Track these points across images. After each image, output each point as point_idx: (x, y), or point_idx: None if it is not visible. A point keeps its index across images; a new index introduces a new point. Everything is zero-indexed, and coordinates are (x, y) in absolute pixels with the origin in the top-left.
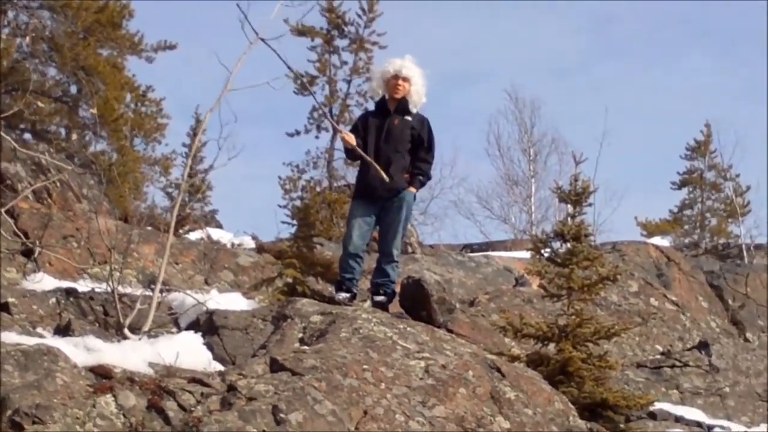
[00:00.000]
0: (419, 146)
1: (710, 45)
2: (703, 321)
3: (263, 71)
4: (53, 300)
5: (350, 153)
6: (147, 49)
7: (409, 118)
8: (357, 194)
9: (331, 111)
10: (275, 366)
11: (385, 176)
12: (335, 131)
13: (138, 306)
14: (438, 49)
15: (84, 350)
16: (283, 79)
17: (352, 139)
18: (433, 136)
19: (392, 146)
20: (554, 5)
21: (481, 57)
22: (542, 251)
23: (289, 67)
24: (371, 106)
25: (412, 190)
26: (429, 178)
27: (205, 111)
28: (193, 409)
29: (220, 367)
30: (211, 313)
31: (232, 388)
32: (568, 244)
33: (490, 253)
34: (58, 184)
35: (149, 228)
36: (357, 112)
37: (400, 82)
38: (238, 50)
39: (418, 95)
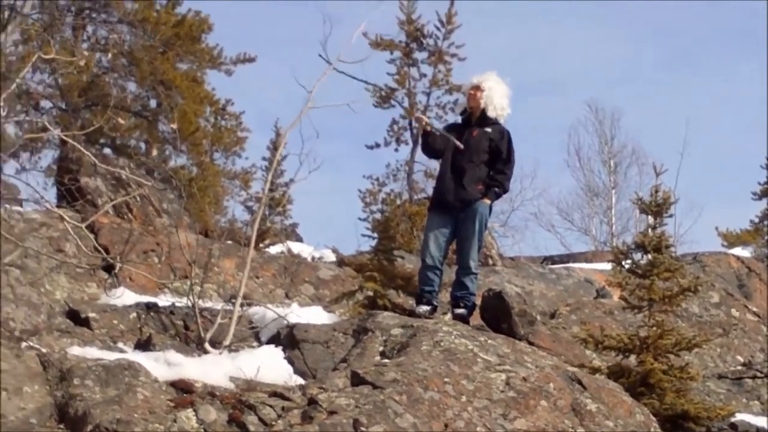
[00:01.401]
0: (497, 157)
1: None
2: None
3: (343, 88)
4: (134, 315)
5: (427, 143)
6: (226, 62)
7: (488, 129)
8: (432, 205)
9: (410, 123)
10: (356, 379)
11: (459, 144)
12: (411, 118)
13: (219, 320)
14: (517, 59)
15: (165, 365)
16: (363, 100)
17: (423, 117)
18: (512, 148)
19: (467, 156)
20: (623, 15)
21: (560, 68)
22: (623, 263)
23: (367, 83)
24: (451, 118)
25: (487, 201)
26: (506, 190)
27: (286, 128)
28: (274, 423)
29: (300, 381)
30: (291, 327)
31: (312, 401)
32: (649, 256)
33: (570, 264)
34: (138, 198)
35: (230, 242)
36: (437, 125)
37: (472, 91)
38: (318, 62)
39: (497, 105)
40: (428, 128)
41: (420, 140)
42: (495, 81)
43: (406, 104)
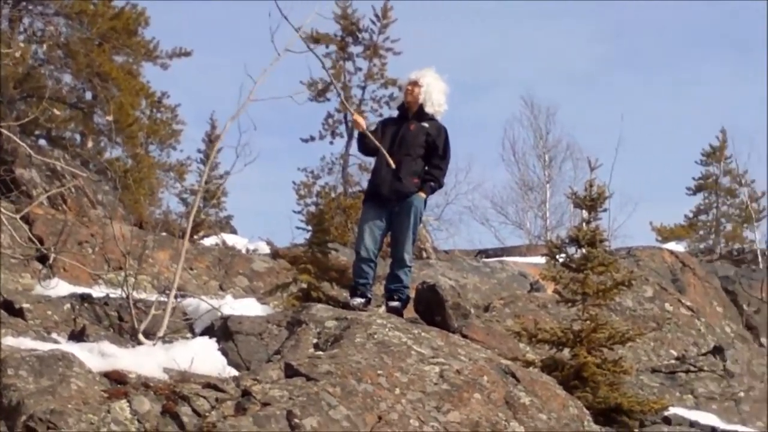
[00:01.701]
0: (434, 153)
1: (726, 52)
2: (717, 326)
3: (281, 81)
4: (68, 306)
5: (363, 144)
6: (162, 56)
7: (425, 124)
8: (367, 197)
9: (345, 117)
10: (290, 371)
11: (392, 162)
12: (348, 113)
13: (153, 312)
14: (453, 56)
15: (98, 356)
16: (305, 93)
17: (363, 122)
18: (449, 144)
19: (404, 150)
20: (568, 13)
21: (497, 64)
22: (557, 256)
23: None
24: (386, 113)
25: (422, 195)
26: (440, 185)
27: (226, 120)
28: (207, 414)
29: (234, 372)
30: (225, 319)
31: (246, 393)
32: (583, 250)
33: (505, 258)
34: (73, 190)
35: (164, 234)
36: (371, 118)
37: (409, 87)
38: (258, 57)
39: (435, 101)
40: (363, 126)
41: (356, 140)
42: (433, 77)
43: (342, 97)
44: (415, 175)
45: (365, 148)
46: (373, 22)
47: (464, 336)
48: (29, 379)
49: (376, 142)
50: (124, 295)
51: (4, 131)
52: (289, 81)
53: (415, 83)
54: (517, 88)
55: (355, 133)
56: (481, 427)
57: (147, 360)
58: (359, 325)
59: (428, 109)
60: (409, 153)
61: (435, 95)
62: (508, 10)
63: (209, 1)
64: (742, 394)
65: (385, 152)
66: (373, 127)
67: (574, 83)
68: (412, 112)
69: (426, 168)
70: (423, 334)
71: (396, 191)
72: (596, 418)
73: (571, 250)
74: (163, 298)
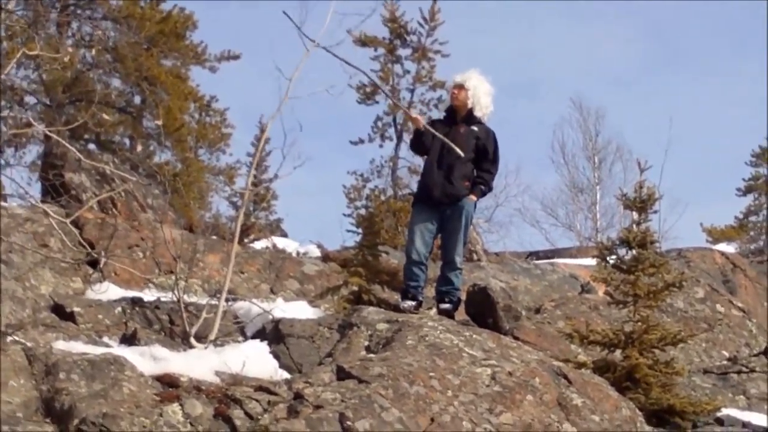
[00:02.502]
0: (483, 157)
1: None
2: None
3: (325, 80)
4: (119, 309)
5: (417, 142)
6: (210, 59)
7: (475, 128)
8: (417, 200)
9: (395, 120)
10: (342, 374)
11: (459, 151)
12: (401, 112)
13: (204, 315)
14: (501, 57)
15: (150, 359)
16: (342, 86)
17: (421, 119)
18: (498, 148)
19: (454, 153)
20: (614, 13)
21: (545, 66)
22: (608, 258)
23: (349, 64)
24: (436, 114)
25: (473, 198)
26: (490, 189)
27: (268, 119)
28: (259, 417)
29: (286, 375)
30: (277, 322)
31: (298, 396)
32: (634, 251)
33: (555, 260)
34: (123, 194)
35: (214, 237)
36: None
37: (455, 90)
38: (299, 57)
39: (481, 104)
40: (422, 128)
41: (411, 137)
42: (478, 79)
43: (386, 107)
44: (466, 178)
45: (419, 146)
46: (421, 25)
47: (516, 338)
48: (81, 383)
49: (438, 135)
50: (174, 299)
51: (54, 136)
52: (334, 79)
53: (461, 86)
54: (566, 89)
55: (405, 135)
56: (533, 429)
57: (198, 363)
58: (410, 327)
59: (477, 113)
60: (459, 156)
61: (482, 98)
62: (555, 10)
63: (257, 2)
64: None
65: (451, 144)
66: (428, 132)
67: (622, 84)
68: (460, 115)
69: (476, 171)
70: (474, 336)
71: (447, 194)
72: (649, 419)
73: (622, 251)
74: (213, 302)
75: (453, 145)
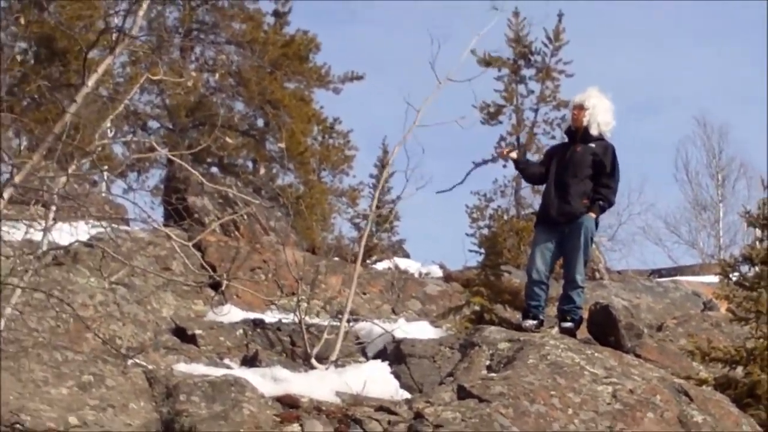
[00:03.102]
0: (601, 171)
1: None
2: None
3: (450, 106)
4: (240, 331)
5: (524, 173)
6: (334, 81)
7: (592, 144)
8: (538, 220)
9: (518, 140)
10: (462, 393)
11: (514, 155)
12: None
13: (325, 336)
14: (624, 77)
15: (271, 380)
16: (472, 118)
17: (503, 150)
18: (617, 162)
19: (571, 172)
20: (735, 32)
21: (667, 84)
22: (730, 275)
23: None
24: (559, 134)
25: (592, 215)
26: (611, 203)
27: (394, 145)
28: None
29: (407, 395)
30: (398, 342)
31: (419, 415)
32: (757, 268)
33: (678, 278)
34: (246, 217)
35: (336, 259)
36: (544, 140)
37: (575, 111)
38: (425, 81)
39: (599, 120)
40: (514, 156)
41: (518, 171)
42: (597, 98)
43: (509, 127)
44: (584, 195)
45: (528, 174)
46: (546, 45)
47: (637, 356)
48: (201, 404)
49: (513, 155)
50: (296, 320)
51: (176, 160)
52: (460, 106)
53: (580, 107)
54: (691, 108)
55: (528, 155)
56: None
57: (319, 384)
58: (532, 346)
59: (593, 131)
60: (576, 175)
61: (600, 116)
62: (677, 29)
63: (382, 22)
64: None
65: (513, 150)
66: (538, 157)
67: (747, 101)
68: (579, 134)
69: (595, 187)
70: (596, 354)
71: (564, 213)
72: None
73: (745, 268)
74: (335, 323)
75: (513, 152)
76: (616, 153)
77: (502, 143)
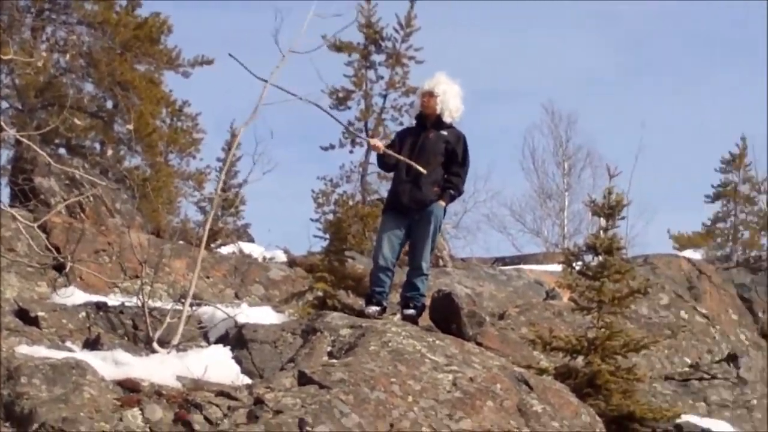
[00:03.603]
0: (453, 160)
1: (746, 59)
2: (732, 334)
3: (301, 87)
4: (83, 314)
5: (382, 161)
6: (184, 64)
7: (444, 132)
8: (387, 207)
9: (366, 125)
10: (303, 379)
11: (421, 169)
12: (367, 143)
13: (168, 320)
14: (475, 65)
15: (112, 364)
16: (317, 95)
17: (379, 143)
18: (468, 152)
19: (424, 159)
20: (586, 21)
21: (517, 72)
22: (574, 264)
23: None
24: (407, 120)
25: (442, 203)
26: (460, 192)
27: (240, 125)
28: (219, 422)
29: (248, 380)
30: (240, 327)
31: (259, 401)
32: (600, 258)
33: (521, 266)
34: (92, 198)
35: (181, 242)
36: (392, 126)
37: (425, 98)
38: (273, 63)
39: (451, 106)
40: (382, 152)
41: (376, 159)
42: (446, 84)
43: (357, 113)
44: (435, 183)
45: (385, 164)
46: (396, 31)
47: (479, 344)
48: (42, 387)
49: (399, 157)
50: (139, 304)
51: (24, 140)
52: (310, 89)
53: (430, 94)
54: (537, 96)
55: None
56: None
57: (160, 368)
58: (374, 333)
59: (446, 119)
60: (428, 162)
61: (451, 102)
62: (527, 17)
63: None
64: (755, 401)
65: (411, 162)
66: (389, 141)
67: (594, 92)
68: (430, 121)
69: (445, 176)
70: (437, 342)
71: (416, 200)
72: (609, 425)
73: (588, 257)
74: (178, 307)
75: (415, 165)
76: (467, 142)
77: (350, 128)
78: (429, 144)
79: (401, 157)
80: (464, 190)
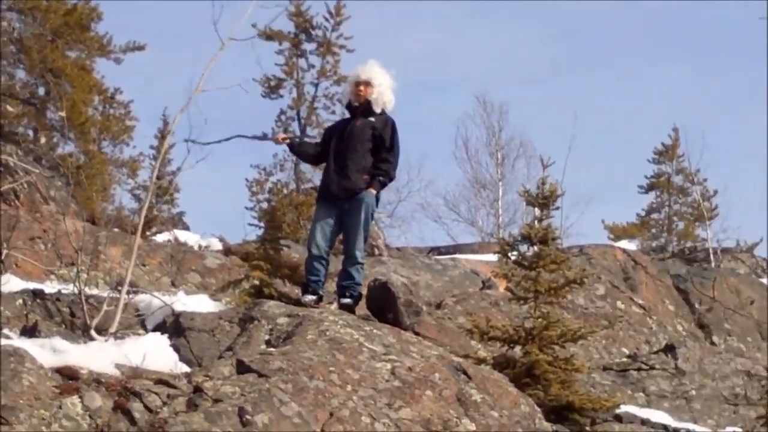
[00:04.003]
0: (381, 146)
1: (678, 50)
2: (669, 324)
3: (233, 75)
4: (20, 301)
5: (298, 155)
6: (116, 51)
7: (372, 119)
8: (319, 196)
9: (299, 113)
10: (242, 368)
11: (282, 136)
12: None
13: (105, 307)
14: (407, 55)
15: (50, 351)
16: (253, 84)
17: (279, 136)
18: (396, 136)
19: (351, 146)
20: (517, 14)
21: (451, 64)
22: (509, 254)
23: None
24: (339, 109)
25: (372, 191)
26: (391, 178)
27: (175, 112)
28: (159, 410)
29: (186, 368)
30: (177, 315)
31: (198, 389)
32: (535, 248)
33: (457, 256)
34: (26, 185)
35: (117, 230)
36: (324, 115)
37: (361, 87)
38: (208, 53)
39: (383, 96)
40: (288, 141)
41: (294, 154)
42: (381, 74)
43: (289, 101)
44: (364, 171)
45: (304, 156)
46: (327, 20)
47: (416, 333)
48: None
49: (294, 135)
50: (76, 291)
51: None
52: (242, 77)
53: (367, 83)
54: (470, 86)
55: (308, 129)
56: (432, 425)
57: (99, 356)
58: (311, 321)
59: (376, 108)
60: (356, 149)
61: (386, 93)
62: (459, 9)
63: None
64: (693, 392)
65: (284, 137)
66: (318, 138)
67: (527, 83)
68: (360, 109)
69: (375, 163)
70: (375, 331)
71: (344, 188)
72: (548, 415)
73: (524, 247)
74: (115, 294)
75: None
76: (396, 127)
77: (282, 117)
78: (356, 131)
79: (282, 137)
80: (395, 176)
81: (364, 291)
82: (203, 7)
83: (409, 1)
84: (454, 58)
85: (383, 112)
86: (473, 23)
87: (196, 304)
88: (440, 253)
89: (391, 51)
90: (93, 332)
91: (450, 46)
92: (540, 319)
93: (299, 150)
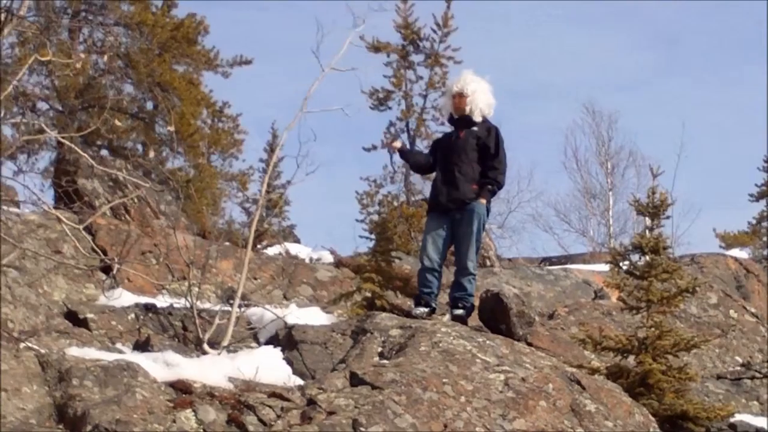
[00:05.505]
0: (486, 153)
1: None
2: None
3: (339, 92)
4: (132, 316)
5: (410, 164)
6: (222, 65)
7: (474, 128)
8: (429, 207)
9: (408, 125)
10: (355, 380)
11: (398, 143)
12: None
13: (217, 321)
14: (513, 64)
15: (163, 365)
16: (358, 104)
17: (395, 144)
18: (501, 142)
19: (456, 157)
20: (622, 20)
21: (555, 72)
22: (621, 264)
23: None
24: (447, 120)
25: (483, 201)
26: (500, 185)
27: (282, 130)
28: (273, 423)
29: (299, 381)
30: (290, 328)
31: (312, 402)
32: (647, 257)
33: (568, 266)
34: (136, 200)
35: (227, 243)
36: (433, 126)
37: (457, 99)
38: (314, 66)
39: (480, 103)
40: (398, 146)
41: (405, 162)
42: (475, 82)
43: (398, 113)
44: (473, 181)
45: (416, 165)
46: (434, 31)
47: (529, 344)
48: (94, 389)
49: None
50: (188, 305)
51: (66, 142)
52: (348, 89)
53: (461, 95)
54: (578, 95)
55: (417, 141)
56: None
57: (212, 369)
58: (424, 333)
59: (476, 117)
60: (462, 160)
61: (482, 100)
62: (564, 17)
63: (272, 5)
64: None
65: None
66: (428, 143)
67: (633, 90)
68: (462, 121)
69: (482, 171)
70: (488, 342)
71: (454, 199)
72: (662, 425)
73: (635, 257)
74: (227, 308)
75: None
76: (499, 133)
77: (392, 129)
78: (460, 143)
79: (397, 144)
80: (504, 182)
81: (477, 302)
82: (308, 19)
83: (507, 8)
84: (558, 65)
85: (485, 120)
86: (575, 30)
87: (309, 316)
88: (552, 264)
89: (493, 57)
90: (206, 346)
91: (550, 54)
92: (653, 329)
93: (410, 157)
